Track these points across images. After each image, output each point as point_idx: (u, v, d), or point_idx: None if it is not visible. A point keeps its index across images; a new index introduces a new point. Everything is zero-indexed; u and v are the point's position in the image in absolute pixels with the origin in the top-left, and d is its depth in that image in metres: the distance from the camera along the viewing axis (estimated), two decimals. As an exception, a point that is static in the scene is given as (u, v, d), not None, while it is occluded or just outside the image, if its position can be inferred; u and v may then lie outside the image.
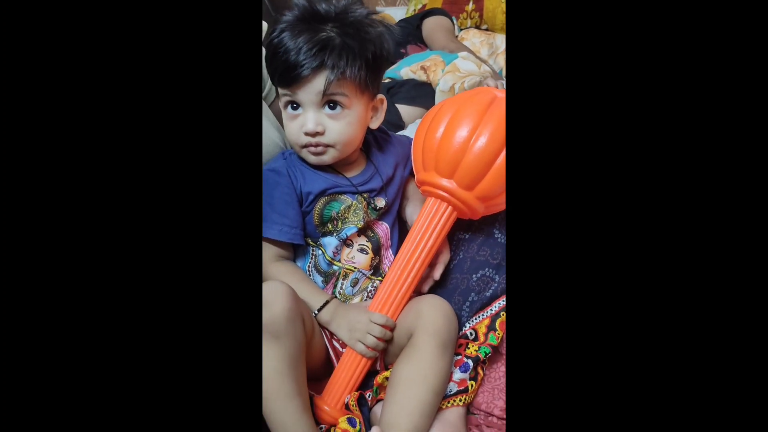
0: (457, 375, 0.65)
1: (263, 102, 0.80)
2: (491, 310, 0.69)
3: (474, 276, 0.71)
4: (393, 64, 1.49)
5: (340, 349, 0.68)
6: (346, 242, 0.71)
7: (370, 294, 0.72)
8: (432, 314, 0.64)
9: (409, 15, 1.84)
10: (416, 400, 0.60)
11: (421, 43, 1.64)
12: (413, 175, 0.81)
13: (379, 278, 0.73)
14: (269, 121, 0.79)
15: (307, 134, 0.66)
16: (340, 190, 0.70)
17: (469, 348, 0.67)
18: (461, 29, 1.72)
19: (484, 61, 1.48)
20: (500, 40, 1.60)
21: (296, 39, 0.63)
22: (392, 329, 0.66)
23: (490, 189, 0.64)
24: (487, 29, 1.83)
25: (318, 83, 0.64)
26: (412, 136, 0.89)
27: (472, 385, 0.65)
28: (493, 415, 0.64)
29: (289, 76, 0.63)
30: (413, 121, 1.24)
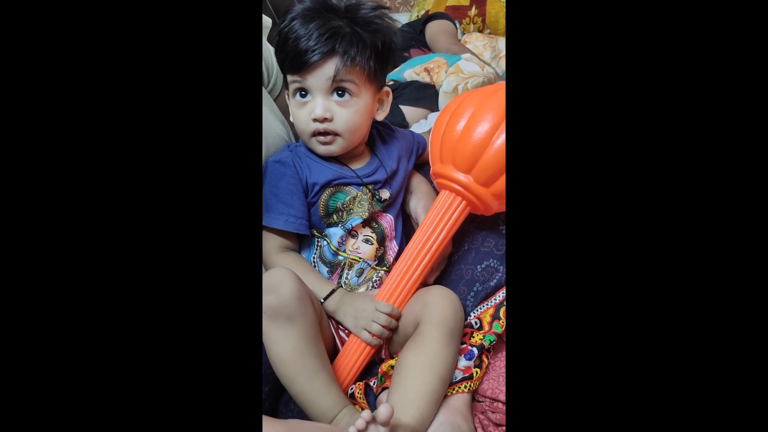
0: (463, 363, 0.65)
1: (268, 95, 0.82)
2: (495, 299, 0.70)
3: (479, 267, 0.72)
4: (398, 61, 1.51)
5: (346, 338, 0.69)
6: (351, 233, 0.72)
7: (375, 284, 0.73)
8: (439, 304, 0.65)
9: (412, 20, 1.86)
10: (423, 388, 0.60)
11: (424, 46, 1.66)
12: (416, 169, 0.82)
13: (384, 268, 0.74)
14: (274, 114, 0.80)
15: (315, 120, 0.67)
16: (346, 181, 0.71)
17: (474, 337, 0.67)
18: (464, 33, 1.74)
19: (488, 64, 1.49)
20: (503, 44, 1.62)
21: (307, 26, 0.65)
22: (397, 318, 0.66)
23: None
24: (489, 33, 1.85)
25: (328, 69, 0.65)
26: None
27: (477, 373, 0.65)
28: (498, 401, 0.64)
29: (300, 61, 0.65)
30: (417, 122, 1.26)
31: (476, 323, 0.69)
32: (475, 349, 0.66)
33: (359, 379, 0.67)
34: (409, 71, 1.42)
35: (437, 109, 1.33)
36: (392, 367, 0.65)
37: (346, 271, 0.72)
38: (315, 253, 0.72)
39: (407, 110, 1.33)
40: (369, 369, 0.69)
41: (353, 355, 0.66)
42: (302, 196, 0.69)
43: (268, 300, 0.57)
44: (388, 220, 0.75)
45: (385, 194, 0.74)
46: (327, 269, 0.72)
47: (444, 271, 0.74)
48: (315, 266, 0.72)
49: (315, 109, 0.67)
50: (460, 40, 1.66)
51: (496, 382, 0.66)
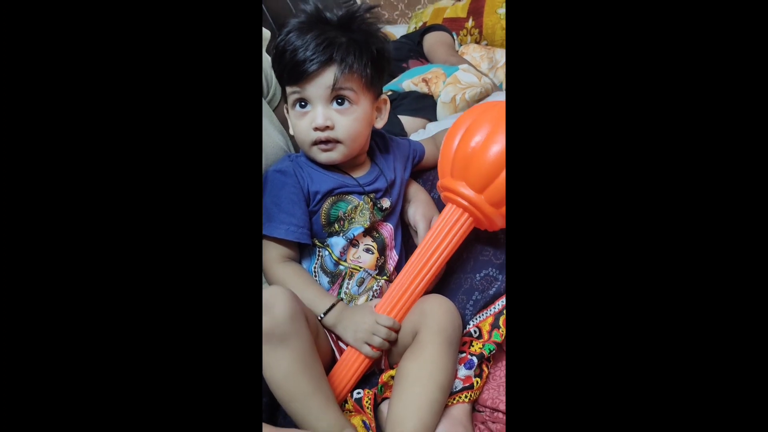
0: (462, 372, 0.66)
1: (268, 106, 0.83)
2: (495, 308, 0.70)
3: (477, 275, 0.73)
4: (395, 71, 1.53)
5: (345, 348, 0.69)
6: (353, 242, 0.72)
7: (375, 293, 0.73)
8: (437, 313, 0.65)
9: (410, 32, 1.88)
10: (424, 397, 0.60)
11: (422, 58, 1.68)
12: (413, 177, 0.83)
13: (384, 277, 0.74)
14: (273, 125, 0.81)
15: (317, 129, 0.68)
16: (348, 190, 0.72)
17: (473, 346, 0.68)
18: (461, 45, 1.76)
19: (485, 74, 1.51)
20: (500, 55, 1.64)
21: (304, 37, 0.66)
22: (397, 331, 0.66)
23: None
24: (486, 45, 1.87)
25: (327, 78, 0.66)
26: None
27: (477, 382, 0.65)
28: (498, 411, 0.64)
29: (298, 71, 0.66)
30: (415, 131, 1.27)
31: (475, 332, 0.69)
32: (474, 358, 0.66)
33: (356, 387, 0.67)
34: (408, 82, 1.44)
35: (435, 119, 1.34)
36: (392, 377, 0.65)
37: (346, 280, 0.72)
38: (316, 263, 0.72)
39: (406, 120, 1.34)
40: (368, 379, 0.69)
41: (351, 364, 0.66)
42: (304, 205, 0.70)
43: (263, 320, 0.56)
44: (388, 229, 0.75)
45: (385, 203, 0.74)
46: (328, 279, 0.72)
47: (443, 279, 0.75)
48: (316, 276, 0.72)
49: (316, 118, 0.68)
50: (457, 51, 1.68)
51: (496, 391, 0.66)
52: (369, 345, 0.65)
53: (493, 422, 0.64)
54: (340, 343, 0.69)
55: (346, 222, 0.72)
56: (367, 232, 0.73)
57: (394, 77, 1.50)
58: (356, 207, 0.72)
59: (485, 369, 0.67)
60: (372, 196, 0.73)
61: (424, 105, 1.38)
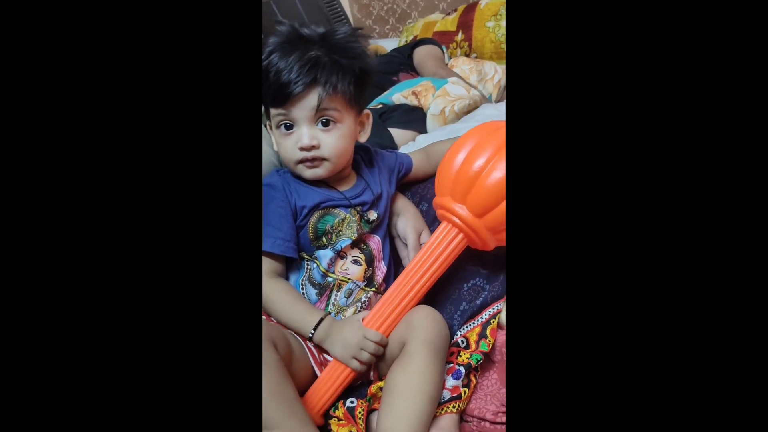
0: (450, 382, 0.66)
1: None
2: (482, 318, 0.71)
3: (465, 285, 0.73)
4: (385, 84, 1.55)
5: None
6: (340, 254, 0.73)
7: (363, 305, 0.73)
8: (424, 323, 0.65)
9: (401, 45, 1.90)
10: (413, 408, 0.60)
11: (412, 71, 1.70)
12: (400, 189, 0.84)
13: (373, 289, 0.75)
14: (265, 140, 0.82)
15: (302, 149, 0.69)
16: (334, 203, 0.73)
17: (461, 356, 0.68)
18: (451, 57, 1.78)
19: (474, 87, 1.53)
20: (489, 67, 1.66)
21: (287, 59, 0.67)
22: (385, 346, 0.67)
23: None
24: (476, 57, 1.90)
25: (311, 99, 0.67)
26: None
27: (465, 392, 0.66)
28: (485, 420, 0.65)
29: (283, 94, 0.67)
30: (405, 144, 1.28)
31: (463, 342, 0.70)
32: (462, 369, 0.67)
33: (349, 396, 0.67)
34: (398, 95, 1.45)
35: (425, 131, 1.36)
36: (381, 388, 0.65)
37: (335, 292, 0.72)
38: (304, 276, 0.73)
39: (396, 133, 1.35)
40: (357, 390, 0.69)
41: (335, 376, 0.66)
42: (291, 219, 0.71)
43: None
44: (375, 241, 0.76)
45: (372, 215, 0.75)
46: (316, 291, 0.73)
47: (430, 290, 0.75)
48: (303, 289, 0.73)
49: (301, 138, 0.69)
50: (447, 64, 1.70)
51: (483, 401, 0.67)
52: (357, 359, 0.65)
53: (480, 431, 0.64)
54: (325, 356, 0.69)
55: (333, 235, 0.73)
56: (355, 244, 0.74)
57: (385, 90, 1.52)
58: (343, 220, 0.73)
59: (473, 379, 0.67)
60: (359, 208, 0.74)
61: (414, 117, 1.39)
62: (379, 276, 0.76)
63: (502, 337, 0.71)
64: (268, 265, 0.70)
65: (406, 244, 0.78)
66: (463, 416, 0.67)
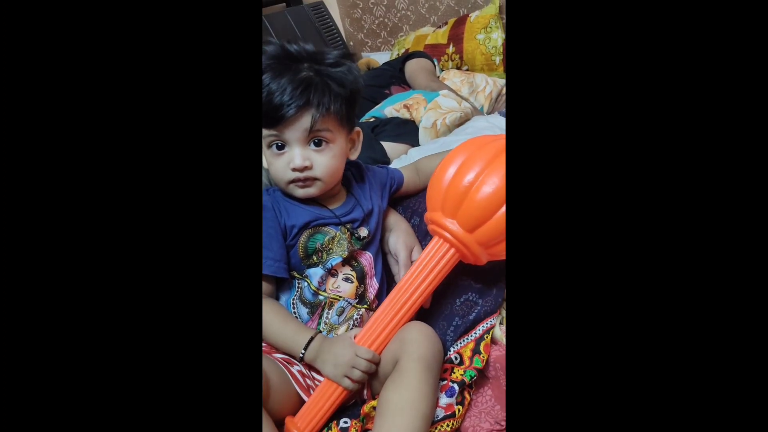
0: (444, 400, 0.65)
1: None
2: (475, 333, 0.71)
3: (458, 301, 0.73)
4: (376, 93, 1.55)
5: (312, 390, 0.68)
6: (331, 272, 0.73)
7: (356, 322, 0.73)
8: (416, 339, 0.65)
9: (392, 59, 1.92)
10: (406, 427, 0.59)
11: (404, 84, 1.71)
12: (392, 205, 0.84)
13: (365, 306, 0.74)
14: None
15: (295, 170, 0.69)
16: (324, 222, 0.73)
17: (454, 372, 0.67)
18: (442, 70, 1.79)
19: (465, 99, 1.54)
20: (480, 79, 1.67)
21: (279, 80, 0.67)
22: (377, 363, 0.66)
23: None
24: (467, 69, 1.91)
25: (304, 121, 0.67)
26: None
27: (459, 410, 0.65)
28: (480, 438, 0.64)
29: (276, 116, 0.67)
30: (398, 157, 1.28)
31: (456, 358, 0.69)
32: (455, 386, 0.66)
33: (342, 416, 0.67)
34: (390, 108, 1.46)
35: (417, 144, 1.36)
36: (374, 407, 0.65)
37: (326, 310, 0.72)
38: (295, 295, 0.73)
39: (388, 146, 1.36)
40: (350, 409, 0.69)
41: (328, 395, 0.65)
42: (281, 239, 0.70)
43: None
44: (367, 258, 0.76)
45: (363, 232, 0.75)
46: (307, 310, 0.72)
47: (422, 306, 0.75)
48: (294, 308, 0.72)
49: (294, 159, 0.69)
50: (438, 76, 1.71)
51: (477, 419, 0.66)
52: (349, 378, 0.65)
53: (476, 450, 0.63)
54: (310, 381, 0.68)
55: (324, 253, 0.72)
56: (346, 261, 0.73)
57: (377, 103, 1.53)
58: (333, 238, 0.73)
59: (467, 396, 0.67)
60: (349, 226, 0.74)
61: (405, 131, 1.40)
62: (371, 293, 0.75)
63: (496, 352, 0.70)
64: None
65: (397, 261, 0.77)
66: (457, 434, 0.66)
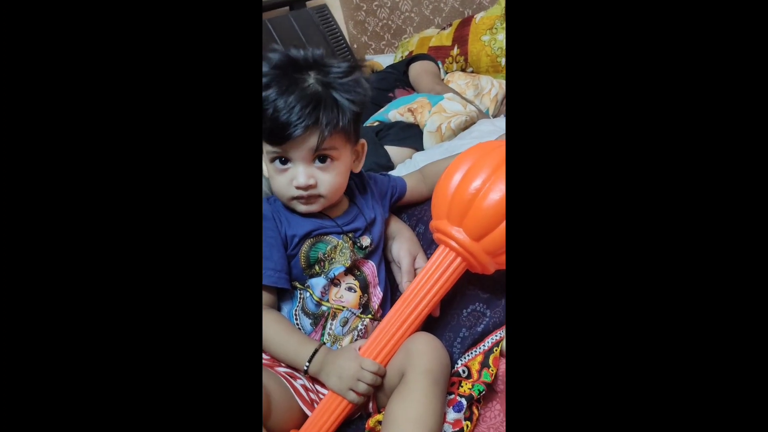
0: (451, 415, 0.63)
1: None
2: (484, 346, 0.68)
3: (464, 311, 0.71)
4: (380, 97, 1.54)
5: (316, 403, 0.66)
6: (334, 282, 0.71)
7: (360, 333, 0.71)
8: (423, 351, 0.63)
9: (396, 61, 1.90)
10: None
11: (408, 87, 1.69)
12: (395, 213, 0.82)
13: (369, 316, 0.72)
14: None
15: (298, 188, 0.67)
16: (326, 231, 0.71)
17: (462, 386, 0.65)
18: (447, 72, 1.77)
19: (470, 102, 1.52)
20: (485, 81, 1.65)
21: (286, 97, 0.63)
22: (383, 376, 0.64)
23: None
24: (472, 71, 1.89)
25: (311, 141, 0.64)
26: (401, 175, 0.90)
27: (467, 426, 0.63)
28: (489, 456, 0.62)
29: (282, 135, 0.64)
30: (402, 162, 1.26)
31: (464, 371, 0.67)
32: (463, 400, 0.64)
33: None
34: (394, 112, 1.44)
35: (422, 148, 1.34)
36: (379, 422, 0.63)
37: (330, 321, 0.70)
38: (298, 306, 0.71)
39: (392, 150, 1.34)
40: (355, 423, 0.67)
41: (333, 410, 0.63)
42: (282, 249, 0.68)
43: None
44: (370, 267, 0.74)
45: (365, 241, 0.73)
46: (310, 321, 0.70)
47: (428, 316, 0.72)
48: (297, 319, 0.70)
49: (297, 177, 0.67)
50: (443, 79, 1.69)
51: (486, 434, 0.64)
52: (354, 391, 0.63)
53: (485, 468, 0.61)
54: (314, 395, 0.66)
55: (326, 263, 0.70)
56: (349, 270, 0.71)
57: (381, 107, 1.51)
58: (335, 247, 0.71)
59: (475, 411, 0.65)
60: (351, 234, 0.72)
61: (410, 134, 1.38)
62: (375, 302, 0.73)
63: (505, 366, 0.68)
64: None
65: (400, 268, 0.75)
66: (466, 451, 0.64)
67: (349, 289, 0.71)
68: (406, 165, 1.21)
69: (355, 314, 0.71)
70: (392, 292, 0.78)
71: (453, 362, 0.68)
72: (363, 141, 0.73)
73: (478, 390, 0.65)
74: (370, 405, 0.67)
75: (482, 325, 0.69)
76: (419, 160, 1.18)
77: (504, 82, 1.68)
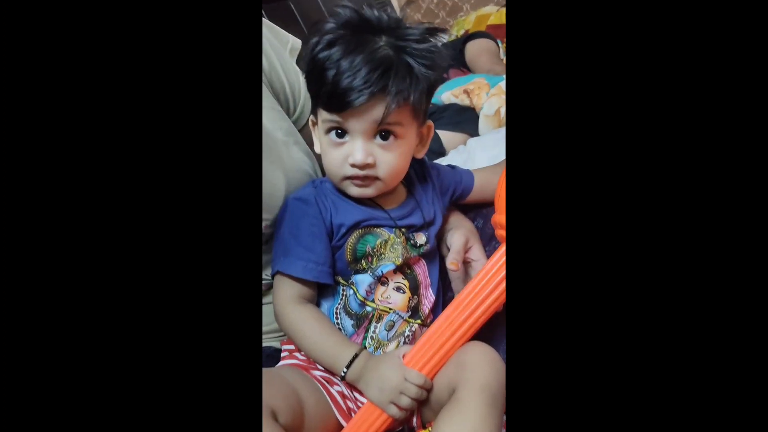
0: (509, 442, 0.55)
1: (293, 126, 0.75)
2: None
3: (527, 322, 0.62)
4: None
5: (354, 412, 0.59)
6: (381, 280, 0.63)
7: (407, 339, 0.64)
8: (478, 365, 0.55)
9: (451, 39, 1.80)
10: None
11: (464, 67, 1.61)
12: (454, 206, 0.73)
13: (418, 321, 0.65)
14: (299, 146, 0.73)
15: (354, 165, 0.59)
16: (377, 222, 0.63)
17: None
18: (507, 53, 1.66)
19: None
20: (548, 63, 1.53)
21: (351, 57, 0.55)
22: (429, 390, 0.57)
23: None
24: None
25: (376, 112, 0.56)
26: (453, 162, 0.82)
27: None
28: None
29: (342, 102, 0.55)
30: (455, 148, 1.18)
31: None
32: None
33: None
34: (447, 93, 1.36)
35: (477, 134, 1.25)
36: (425, 440, 0.56)
37: (374, 324, 0.63)
38: (339, 304, 0.64)
39: (445, 135, 1.26)
40: (398, 440, 0.60)
41: (372, 423, 0.57)
42: (325, 239, 0.61)
43: None
44: (422, 266, 0.66)
45: (421, 239, 0.65)
46: (352, 322, 0.63)
47: (485, 324, 0.64)
48: (338, 318, 0.63)
49: (354, 153, 0.58)
50: (502, 59, 1.58)
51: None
52: (395, 405, 0.56)
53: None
54: (351, 403, 0.60)
55: (374, 258, 0.63)
56: (399, 268, 0.64)
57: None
58: (386, 241, 0.63)
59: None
60: (404, 230, 0.64)
61: (465, 118, 1.29)
62: (426, 306, 0.65)
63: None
64: (296, 290, 0.61)
65: (449, 247, 0.67)
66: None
67: (398, 289, 0.64)
68: (459, 151, 1.13)
69: (402, 318, 0.64)
70: (445, 294, 0.70)
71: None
72: (430, 123, 0.64)
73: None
74: (414, 419, 0.60)
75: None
76: (474, 146, 1.09)
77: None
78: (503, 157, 0.79)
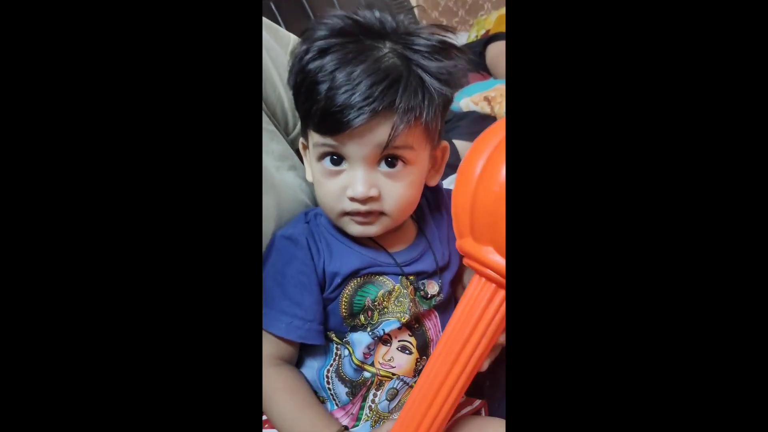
0: None
1: (289, 147, 0.63)
2: None
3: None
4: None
5: None
6: (383, 339, 0.52)
7: (412, 411, 0.52)
8: None
9: (470, 41, 1.71)
10: None
11: (484, 71, 1.52)
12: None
13: (427, 389, 0.53)
14: (297, 173, 0.61)
15: (354, 200, 0.48)
16: (380, 270, 0.52)
17: None
18: (530, 56, 1.55)
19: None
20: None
21: (350, 67, 0.44)
22: None
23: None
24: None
25: (379, 133, 0.45)
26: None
27: None
28: None
29: (338, 122, 0.44)
30: (474, 162, 1.07)
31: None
32: None
33: None
34: (466, 100, 1.27)
35: (498, 146, 1.15)
36: None
37: (372, 391, 0.52)
38: (330, 366, 0.52)
39: (462, 146, 1.17)
40: None
41: None
42: (316, 290, 0.50)
43: None
44: (434, 321, 0.55)
45: (432, 288, 0.54)
46: (346, 390, 0.52)
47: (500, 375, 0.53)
48: (329, 383, 0.52)
49: (354, 184, 0.47)
50: (526, 64, 1.47)
51: None
52: None
53: None
54: None
55: (375, 313, 0.51)
56: (405, 324, 0.52)
57: (451, 93, 1.32)
58: (390, 293, 0.52)
59: None
60: (412, 278, 0.53)
61: (484, 127, 1.18)
62: (437, 369, 0.54)
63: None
64: (275, 348, 0.50)
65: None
66: None
67: (403, 349, 0.53)
68: (478, 166, 1.03)
69: (408, 384, 0.52)
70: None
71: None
72: (445, 143, 0.53)
73: None
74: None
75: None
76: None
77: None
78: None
